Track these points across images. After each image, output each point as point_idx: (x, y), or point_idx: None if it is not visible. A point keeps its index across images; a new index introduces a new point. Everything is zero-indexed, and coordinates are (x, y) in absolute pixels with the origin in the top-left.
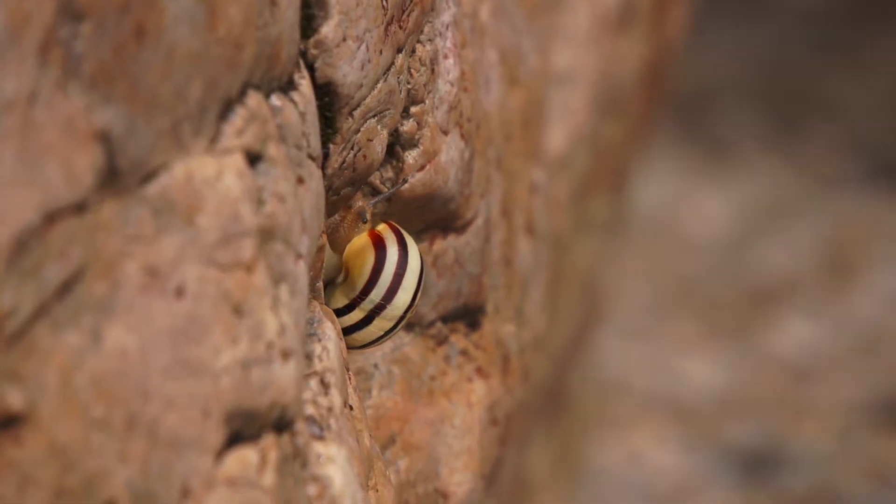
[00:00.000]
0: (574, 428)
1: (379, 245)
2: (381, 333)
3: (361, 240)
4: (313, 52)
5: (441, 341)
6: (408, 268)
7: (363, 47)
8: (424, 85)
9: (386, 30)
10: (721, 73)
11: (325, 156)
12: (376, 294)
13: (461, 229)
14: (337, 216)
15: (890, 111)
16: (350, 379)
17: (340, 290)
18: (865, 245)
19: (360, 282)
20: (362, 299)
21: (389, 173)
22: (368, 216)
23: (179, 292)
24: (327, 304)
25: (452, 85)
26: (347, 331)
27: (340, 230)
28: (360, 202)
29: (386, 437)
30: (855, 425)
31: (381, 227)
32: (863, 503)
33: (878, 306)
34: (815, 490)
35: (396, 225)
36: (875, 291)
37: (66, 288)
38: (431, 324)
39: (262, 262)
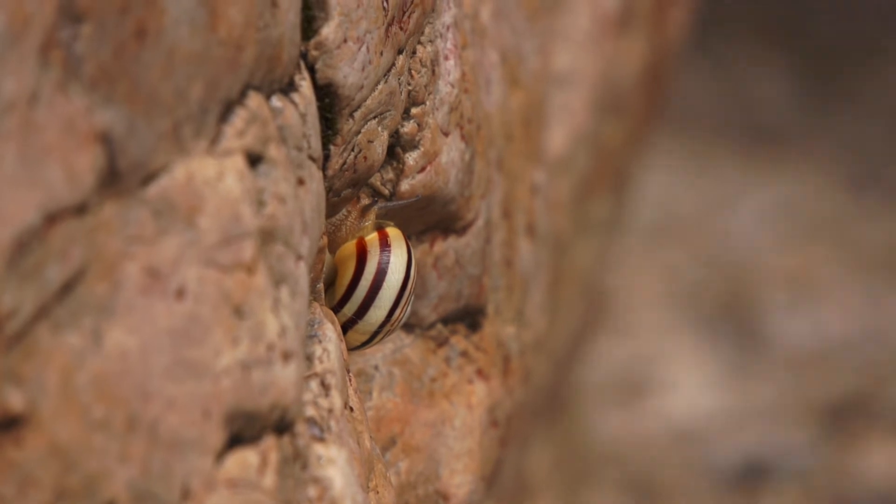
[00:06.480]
0: (574, 429)
1: (361, 257)
2: (358, 344)
3: (349, 248)
4: (314, 53)
5: (441, 343)
6: (385, 284)
7: (364, 48)
8: (425, 86)
9: (387, 31)
10: None
11: (326, 157)
12: (349, 308)
13: (462, 231)
14: (343, 211)
15: None
16: (350, 380)
17: (328, 295)
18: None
19: (339, 293)
20: (338, 310)
21: (390, 175)
22: (373, 217)
23: (180, 293)
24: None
25: (453, 86)
26: None
27: (342, 229)
28: (367, 200)
29: (386, 438)
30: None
31: (371, 237)
32: None
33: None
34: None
35: (391, 232)
36: (865, 292)
37: (66, 289)
38: (432, 325)
39: (263, 263)
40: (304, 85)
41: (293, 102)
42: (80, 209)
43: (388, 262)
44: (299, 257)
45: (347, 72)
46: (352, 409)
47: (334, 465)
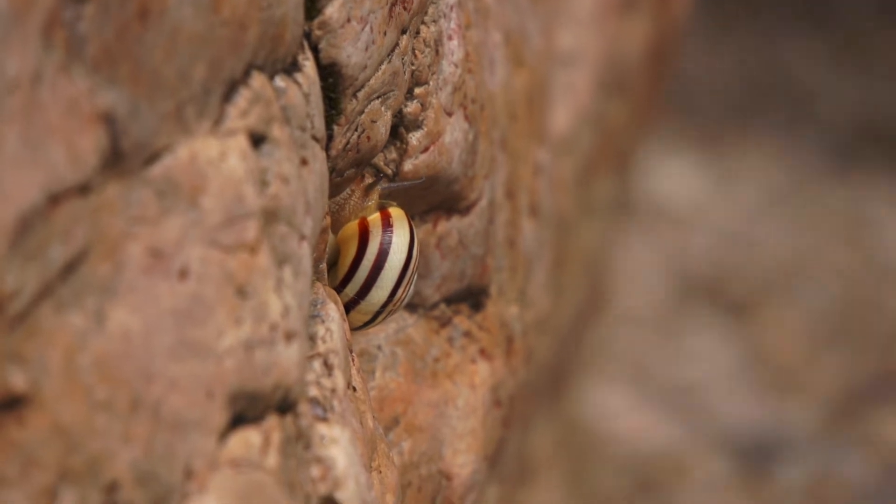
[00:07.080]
0: (577, 409)
1: (363, 237)
2: (360, 325)
3: (351, 228)
4: (317, 32)
5: (445, 323)
6: (387, 264)
7: (367, 28)
8: (429, 66)
9: (390, 11)
10: None
11: (329, 137)
12: (351, 289)
13: (465, 210)
14: (346, 191)
15: None
16: (353, 360)
17: (330, 275)
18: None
19: (341, 273)
20: (340, 290)
21: (393, 155)
22: (376, 197)
23: (183, 273)
24: None
25: (456, 66)
26: None
27: (346, 209)
28: (370, 180)
29: (389, 418)
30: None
31: (373, 217)
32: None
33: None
34: (817, 477)
35: (394, 212)
36: (876, 268)
37: (69, 269)
38: (435, 305)
39: (266, 243)
40: (308, 65)
41: (296, 82)
42: (84, 189)
43: (390, 243)
44: (302, 237)
45: (351, 52)
46: (355, 389)
47: (337, 444)
